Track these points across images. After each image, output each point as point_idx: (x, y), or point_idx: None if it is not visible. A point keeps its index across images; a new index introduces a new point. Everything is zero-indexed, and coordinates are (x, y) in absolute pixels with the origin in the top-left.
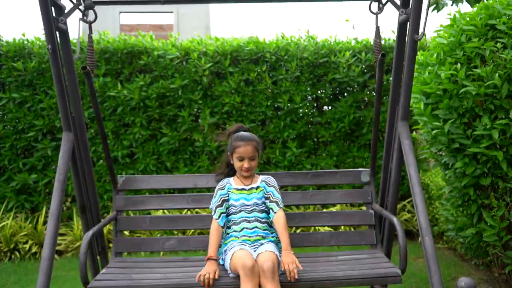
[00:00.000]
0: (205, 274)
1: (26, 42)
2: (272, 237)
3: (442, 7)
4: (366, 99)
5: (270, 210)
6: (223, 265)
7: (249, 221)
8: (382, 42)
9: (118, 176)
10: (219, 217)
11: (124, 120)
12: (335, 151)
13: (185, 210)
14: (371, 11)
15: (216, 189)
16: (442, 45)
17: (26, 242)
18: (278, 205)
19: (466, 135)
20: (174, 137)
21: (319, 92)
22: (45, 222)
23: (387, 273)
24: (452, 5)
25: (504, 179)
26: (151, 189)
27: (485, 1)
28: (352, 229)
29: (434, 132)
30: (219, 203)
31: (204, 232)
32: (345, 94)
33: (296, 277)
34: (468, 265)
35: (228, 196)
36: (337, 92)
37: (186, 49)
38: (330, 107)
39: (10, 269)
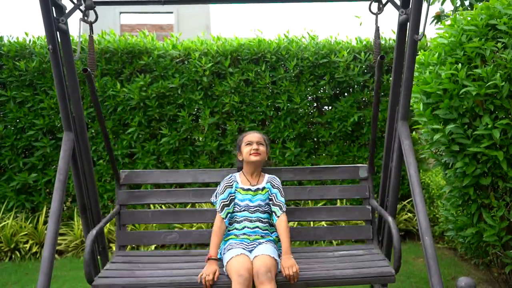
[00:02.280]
0: (205, 276)
1: (27, 42)
2: (272, 236)
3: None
4: (366, 99)
5: (273, 213)
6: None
7: (251, 221)
8: (382, 42)
9: (121, 170)
10: (226, 216)
11: (124, 120)
12: (335, 151)
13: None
14: (371, 12)
15: (223, 184)
16: (442, 45)
17: (26, 242)
18: (281, 209)
19: (467, 135)
20: (174, 137)
21: (319, 92)
22: (45, 222)
23: (381, 273)
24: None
25: (504, 179)
26: (153, 184)
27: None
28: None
29: (436, 136)
30: (227, 202)
31: (203, 226)
32: (345, 94)
33: (296, 280)
34: (468, 265)
35: (235, 195)
36: (337, 92)
37: (187, 49)
38: (330, 107)
39: (10, 269)
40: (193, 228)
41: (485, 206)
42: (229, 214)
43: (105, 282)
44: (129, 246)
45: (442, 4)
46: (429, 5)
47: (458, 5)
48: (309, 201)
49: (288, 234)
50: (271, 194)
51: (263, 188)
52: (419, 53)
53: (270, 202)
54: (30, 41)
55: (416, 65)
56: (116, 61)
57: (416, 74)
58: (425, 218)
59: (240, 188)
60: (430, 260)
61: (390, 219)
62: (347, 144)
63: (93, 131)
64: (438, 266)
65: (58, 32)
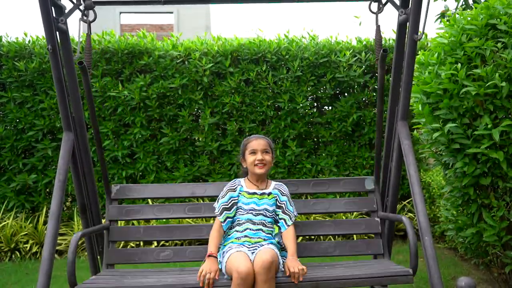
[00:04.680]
0: (205, 274)
1: (27, 42)
2: (274, 239)
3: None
4: (366, 99)
5: (282, 221)
6: (221, 269)
7: (254, 223)
8: (383, 42)
9: (112, 185)
10: (224, 220)
11: (124, 120)
12: (335, 151)
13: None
14: (371, 11)
15: (225, 188)
16: (442, 44)
17: (26, 242)
18: (290, 219)
19: (466, 135)
20: (174, 137)
21: (319, 92)
22: (45, 222)
23: (398, 272)
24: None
25: (504, 179)
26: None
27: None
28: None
29: (435, 135)
30: (228, 206)
31: (202, 241)
32: (346, 94)
33: (301, 279)
34: (468, 265)
35: (238, 198)
36: (338, 92)
37: (187, 49)
38: (330, 107)
39: (10, 269)
40: (188, 246)
41: (485, 206)
42: (228, 219)
43: (90, 287)
44: (117, 265)
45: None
46: (428, 4)
47: (461, 4)
48: (313, 215)
49: (295, 241)
50: (280, 201)
51: (270, 193)
52: (419, 53)
53: (279, 210)
54: (29, 41)
55: (416, 65)
56: (116, 61)
57: (416, 74)
58: (425, 218)
59: (245, 191)
60: (430, 260)
61: (404, 218)
62: (347, 144)
63: (92, 131)
64: (438, 266)
65: (57, 32)
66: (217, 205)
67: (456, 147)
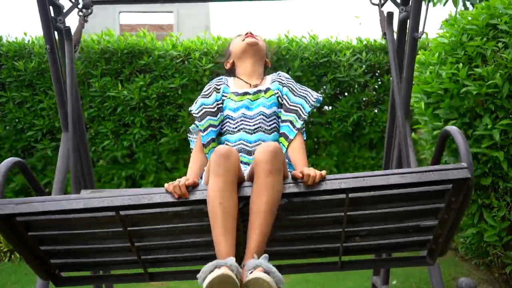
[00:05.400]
0: (175, 182)
1: (26, 42)
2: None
3: (437, 2)
4: (367, 99)
5: (288, 124)
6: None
7: (250, 145)
8: (382, 42)
9: (82, 190)
10: (206, 129)
11: (124, 120)
12: (335, 151)
13: None
14: (372, 3)
15: (207, 87)
16: (443, 44)
17: None
18: (299, 118)
19: (467, 135)
20: (174, 137)
21: (319, 92)
22: None
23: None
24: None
25: (504, 179)
26: None
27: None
28: None
29: (436, 132)
30: (212, 109)
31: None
32: (346, 94)
33: (322, 177)
34: (468, 265)
35: (222, 102)
36: (338, 92)
37: (187, 49)
38: (330, 107)
39: (10, 269)
40: None
41: (486, 206)
42: (211, 129)
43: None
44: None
45: (443, 5)
46: (428, 2)
47: (460, 8)
48: None
49: (305, 154)
50: (282, 96)
51: (267, 90)
52: (419, 52)
53: (281, 109)
54: (29, 41)
55: (416, 65)
56: (116, 61)
57: (416, 74)
58: None
59: (232, 93)
60: None
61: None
62: (348, 144)
63: (92, 131)
64: (439, 266)
65: (56, 32)
66: (195, 106)
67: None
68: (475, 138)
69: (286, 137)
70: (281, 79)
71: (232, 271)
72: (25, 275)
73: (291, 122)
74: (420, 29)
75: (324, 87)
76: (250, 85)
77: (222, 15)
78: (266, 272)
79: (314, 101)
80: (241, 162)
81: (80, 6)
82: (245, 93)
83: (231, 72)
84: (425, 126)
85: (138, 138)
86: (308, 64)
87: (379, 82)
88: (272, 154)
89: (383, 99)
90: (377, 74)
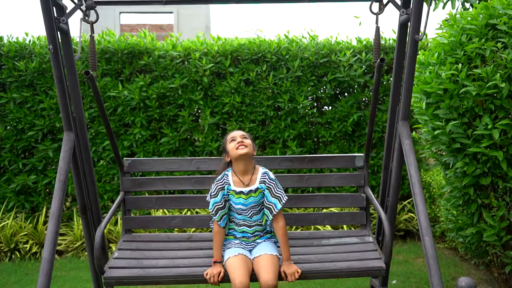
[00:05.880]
0: (210, 278)
1: (27, 42)
2: (271, 233)
3: (438, 5)
4: (367, 99)
5: (270, 208)
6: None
7: (250, 226)
8: (382, 42)
9: (124, 159)
10: (220, 219)
11: (124, 120)
12: (335, 151)
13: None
14: (371, 12)
15: (215, 187)
16: (442, 44)
17: (26, 242)
18: (280, 201)
19: (467, 135)
20: (174, 137)
21: (319, 92)
22: (45, 222)
23: (372, 267)
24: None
25: (504, 179)
26: (156, 172)
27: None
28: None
29: (436, 132)
30: (221, 205)
31: (207, 210)
32: (346, 94)
33: (295, 279)
34: (468, 265)
35: (228, 196)
36: (338, 92)
37: (187, 49)
38: (330, 107)
39: (10, 269)
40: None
41: (485, 206)
42: (224, 216)
43: (116, 274)
44: (134, 230)
45: (443, 7)
46: (429, 5)
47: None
48: (309, 188)
49: (286, 240)
50: (264, 192)
51: (256, 190)
52: (419, 53)
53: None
54: (30, 41)
55: (416, 65)
56: (116, 61)
57: (416, 74)
58: (426, 218)
59: (233, 190)
60: (430, 260)
61: (383, 215)
62: (347, 144)
63: (92, 131)
64: (438, 266)
65: (58, 32)
66: (210, 205)
67: (457, 146)
68: (474, 138)
69: (266, 219)
70: (265, 181)
71: None
72: (26, 275)
73: (271, 208)
74: (421, 30)
75: (324, 87)
76: (244, 184)
77: (222, 16)
78: None
79: (284, 202)
80: (246, 231)
81: (83, 7)
82: (241, 192)
83: (231, 164)
84: (425, 126)
85: (139, 138)
86: (308, 64)
87: None
88: (272, 286)
89: (383, 99)
90: None
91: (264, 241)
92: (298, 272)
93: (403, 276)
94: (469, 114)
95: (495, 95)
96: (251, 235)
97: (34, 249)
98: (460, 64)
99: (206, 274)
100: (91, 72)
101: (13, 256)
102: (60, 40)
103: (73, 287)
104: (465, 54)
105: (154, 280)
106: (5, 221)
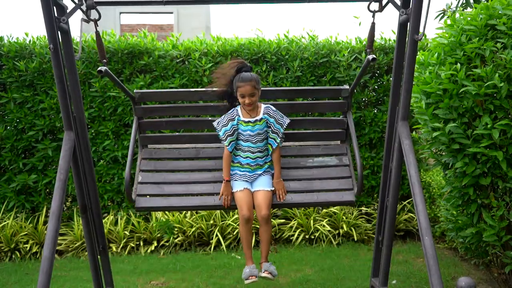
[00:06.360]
0: (225, 197)
1: (27, 42)
2: (267, 161)
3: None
4: (366, 99)
5: (272, 140)
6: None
7: (253, 152)
8: (382, 42)
9: (134, 90)
10: (229, 144)
11: (124, 120)
12: None
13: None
14: (369, 10)
15: (226, 118)
16: (442, 45)
17: (26, 242)
18: (278, 136)
19: (466, 135)
20: None
21: None
22: (45, 222)
23: (345, 201)
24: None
25: (503, 179)
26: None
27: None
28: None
29: (435, 133)
30: (231, 132)
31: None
32: None
33: (284, 199)
34: (467, 265)
35: (237, 126)
36: None
37: (187, 49)
38: None
39: (10, 268)
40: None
41: (485, 206)
42: (232, 143)
43: (144, 205)
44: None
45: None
46: (429, 5)
47: (461, 3)
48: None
49: (279, 162)
50: (269, 123)
51: (261, 119)
52: (419, 53)
53: (269, 129)
54: (30, 41)
55: (416, 65)
56: (116, 61)
57: (416, 74)
58: (425, 218)
59: (242, 120)
60: (430, 260)
61: (356, 153)
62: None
63: (92, 131)
64: (438, 266)
65: (59, 32)
66: (221, 132)
67: (456, 147)
68: (474, 138)
69: (271, 146)
70: (270, 113)
71: (256, 277)
72: (26, 274)
73: (274, 139)
74: (421, 31)
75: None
76: (251, 116)
77: (223, 16)
78: (270, 273)
79: (286, 125)
80: (249, 157)
81: (83, 7)
82: (249, 121)
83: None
84: (424, 126)
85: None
86: (307, 64)
87: (379, 82)
88: (266, 219)
89: (383, 100)
90: (376, 74)
91: (263, 174)
92: (284, 189)
93: (403, 276)
94: (468, 114)
95: (494, 95)
96: (253, 163)
97: (34, 249)
98: (459, 64)
99: (222, 194)
100: (103, 70)
101: (13, 256)
102: (60, 40)
103: (73, 287)
104: (465, 54)
105: (175, 209)
106: (5, 221)
